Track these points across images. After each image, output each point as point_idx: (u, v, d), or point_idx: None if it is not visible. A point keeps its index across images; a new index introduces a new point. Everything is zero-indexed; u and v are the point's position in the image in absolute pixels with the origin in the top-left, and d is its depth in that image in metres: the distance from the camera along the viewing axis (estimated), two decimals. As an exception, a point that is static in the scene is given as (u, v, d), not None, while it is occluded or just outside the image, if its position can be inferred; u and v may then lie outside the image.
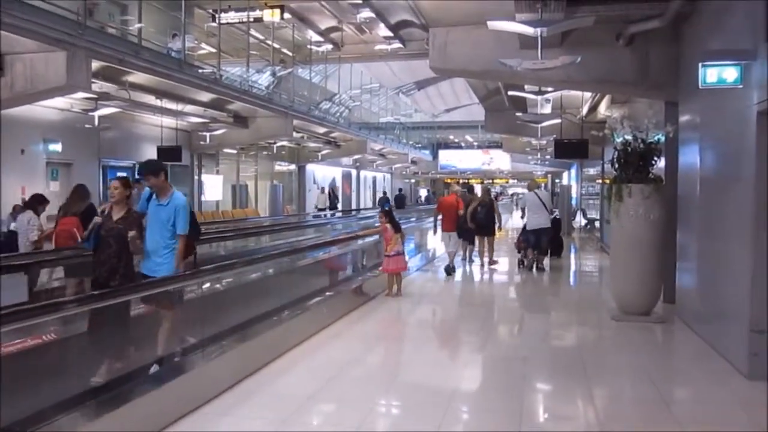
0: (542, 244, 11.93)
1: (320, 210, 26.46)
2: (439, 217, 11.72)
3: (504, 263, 13.19)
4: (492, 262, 12.70)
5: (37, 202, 8.39)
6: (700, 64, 5.75)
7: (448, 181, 54.62)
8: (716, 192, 6.41)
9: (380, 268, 9.51)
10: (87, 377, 4.20)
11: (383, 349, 6.82)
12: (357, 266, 10.59)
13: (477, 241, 12.94)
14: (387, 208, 10.96)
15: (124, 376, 4.38)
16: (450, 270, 11.36)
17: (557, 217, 16.38)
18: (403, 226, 9.77)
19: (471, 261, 13.02)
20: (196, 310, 5.47)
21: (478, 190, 19.53)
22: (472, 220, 12.11)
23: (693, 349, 6.40)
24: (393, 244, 9.02)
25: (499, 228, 13.34)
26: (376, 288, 9.26)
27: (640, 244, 7.36)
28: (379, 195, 42.08)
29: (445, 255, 12.04)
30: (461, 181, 49.87)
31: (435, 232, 12.09)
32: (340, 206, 31.40)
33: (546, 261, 12.50)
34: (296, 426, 4.28)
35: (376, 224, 10.23)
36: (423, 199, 51.14)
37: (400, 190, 36.72)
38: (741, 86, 5.49)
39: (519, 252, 12.54)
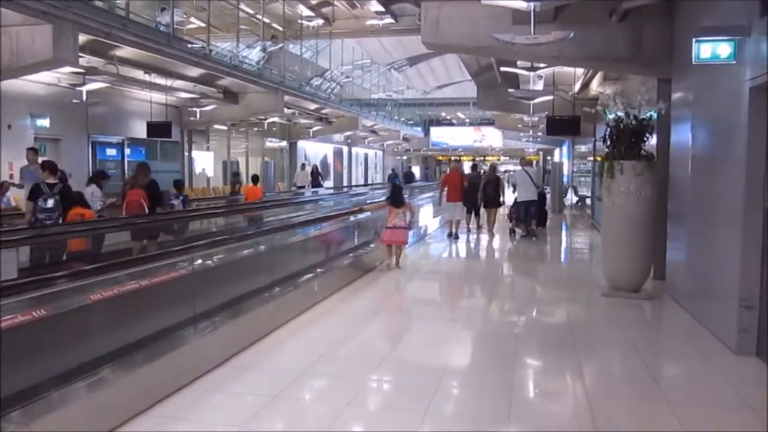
0: (530, 214, 13.52)
1: (299, 188, 23.54)
2: (444, 190, 13.35)
3: (497, 235, 14.20)
4: (491, 232, 14.15)
5: (100, 177, 9.76)
6: (693, 40, 5.72)
7: (440, 158, 54.49)
8: (708, 169, 6.42)
9: (379, 239, 9.80)
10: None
11: (377, 324, 6.84)
12: (352, 241, 10.66)
13: (484, 212, 14.40)
14: (397, 183, 11.41)
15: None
16: (454, 236, 13.25)
17: (543, 192, 16.87)
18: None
19: (469, 231, 14.37)
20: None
21: (466, 167, 20.14)
22: (483, 194, 13.82)
23: (682, 326, 6.45)
24: (393, 216, 9.34)
25: (503, 202, 14.84)
26: (371, 262, 9.33)
27: (631, 220, 7.37)
28: (371, 171, 42.11)
29: (436, 232, 12.55)
30: (452, 158, 49.87)
31: (440, 203, 13.88)
32: (329, 184, 31.27)
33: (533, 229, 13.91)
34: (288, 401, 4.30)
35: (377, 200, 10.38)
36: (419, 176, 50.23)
37: (410, 167, 40.56)
38: (734, 62, 5.47)
39: (511, 222, 14.11)
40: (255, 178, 16.29)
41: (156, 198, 9.41)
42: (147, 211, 9.05)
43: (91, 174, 12.73)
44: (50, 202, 7.85)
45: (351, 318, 6.81)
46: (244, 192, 16.25)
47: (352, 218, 10.63)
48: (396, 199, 9.60)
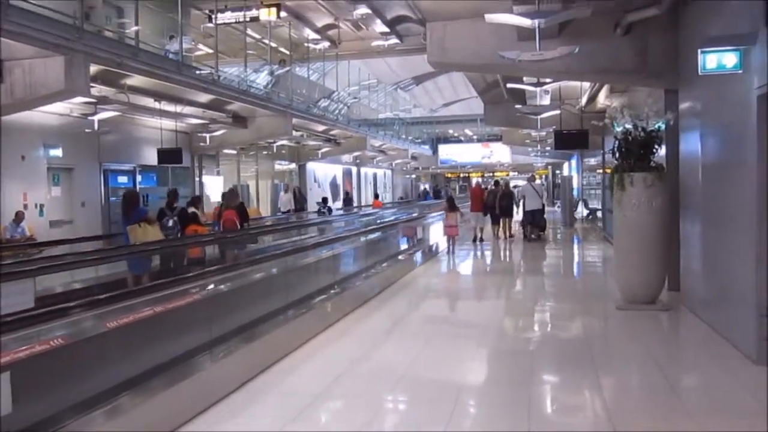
0: (536, 220, 16.43)
1: (283, 213, 22.09)
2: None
3: (514, 242, 16.57)
4: (510, 236, 17.01)
5: (198, 201, 11.38)
6: (699, 51, 5.73)
7: (449, 175, 54.54)
8: (718, 178, 6.41)
9: (443, 233, 14.44)
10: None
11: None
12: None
13: (501, 221, 17.00)
14: (428, 198, 14.79)
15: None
16: (479, 239, 16.09)
17: (544, 204, 18.33)
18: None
19: (498, 237, 16.92)
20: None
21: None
22: (499, 206, 16.49)
23: (700, 336, 6.41)
24: (449, 219, 13.80)
25: (516, 212, 17.87)
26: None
27: (644, 232, 7.35)
28: (380, 190, 42.26)
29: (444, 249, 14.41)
30: (461, 175, 50.10)
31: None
32: (339, 204, 31.29)
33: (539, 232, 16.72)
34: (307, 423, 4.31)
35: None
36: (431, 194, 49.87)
37: (436, 185, 48.35)
38: (741, 71, 5.48)
39: (523, 228, 17.03)
40: (376, 195, 32.23)
41: (244, 216, 11.29)
42: (239, 226, 10.83)
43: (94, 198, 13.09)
44: (170, 222, 9.80)
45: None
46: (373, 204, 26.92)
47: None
48: (452, 207, 14.10)
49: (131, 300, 4.64)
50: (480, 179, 46.49)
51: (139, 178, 17.26)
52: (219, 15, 16.14)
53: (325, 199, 22.34)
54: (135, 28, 13.28)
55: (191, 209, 10.87)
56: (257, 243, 11.73)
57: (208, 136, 18.17)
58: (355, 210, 27.50)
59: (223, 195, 12.49)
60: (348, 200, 29.03)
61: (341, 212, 24.49)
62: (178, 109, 15.78)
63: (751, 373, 5.04)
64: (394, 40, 19.44)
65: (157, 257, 9.04)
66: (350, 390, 5.00)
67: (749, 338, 5.28)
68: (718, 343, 5.95)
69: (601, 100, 14.48)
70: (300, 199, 23.95)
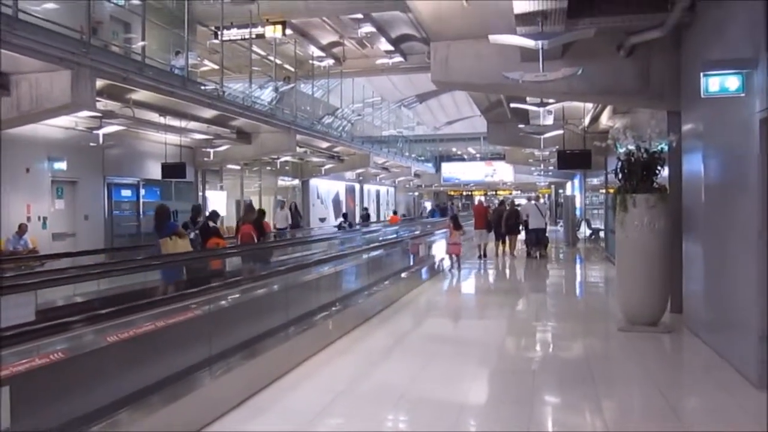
0: (539, 239, 17.17)
1: (280, 230, 20.66)
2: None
3: (517, 260, 17.22)
4: (512, 255, 17.63)
5: (215, 215, 12.04)
6: (701, 74, 5.76)
7: (452, 193, 54.63)
8: (721, 200, 6.41)
9: (446, 251, 14.98)
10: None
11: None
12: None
13: (507, 239, 17.81)
14: (436, 215, 15.63)
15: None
16: (482, 255, 16.76)
17: (547, 222, 19.26)
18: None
19: (505, 254, 17.65)
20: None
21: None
22: (506, 224, 17.25)
23: (701, 359, 6.38)
24: (453, 236, 14.25)
25: (523, 229, 18.16)
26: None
27: (646, 253, 7.35)
28: (383, 207, 42.37)
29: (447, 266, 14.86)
30: (464, 193, 50.14)
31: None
32: (344, 222, 31.35)
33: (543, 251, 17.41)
34: None
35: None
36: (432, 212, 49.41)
37: (443, 202, 48.91)
38: (743, 95, 5.50)
39: (527, 247, 17.70)
40: (395, 212, 32.75)
41: (261, 230, 11.78)
42: (256, 240, 11.21)
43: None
44: (192, 235, 10.39)
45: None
46: (390, 219, 28.49)
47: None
48: (456, 225, 14.41)
49: (135, 314, 4.62)
50: (483, 197, 46.65)
51: (142, 192, 17.29)
52: (225, 32, 16.31)
53: (345, 215, 25.77)
54: (141, 43, 13.38)
55: (211, 223, 11.45)
56: (274, 256, 12.05)
57: (211, 151, 18.24)
58: (358, 226, 27.73)
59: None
60: (366, 216, 31.20)
61: (336, 229, 24.83)
62: (183, 124, 15.85)
63: (752, 397, 5.02)
64: (398, 59, 19.66)
65: (163, 270, 9.14)
66: (351, 408, 4.98)
67: (751, 362, 5.26)
68: (720, 367, 5.92)
69: (604, 120, 14.53)
70: (296, 216, 23.52)
